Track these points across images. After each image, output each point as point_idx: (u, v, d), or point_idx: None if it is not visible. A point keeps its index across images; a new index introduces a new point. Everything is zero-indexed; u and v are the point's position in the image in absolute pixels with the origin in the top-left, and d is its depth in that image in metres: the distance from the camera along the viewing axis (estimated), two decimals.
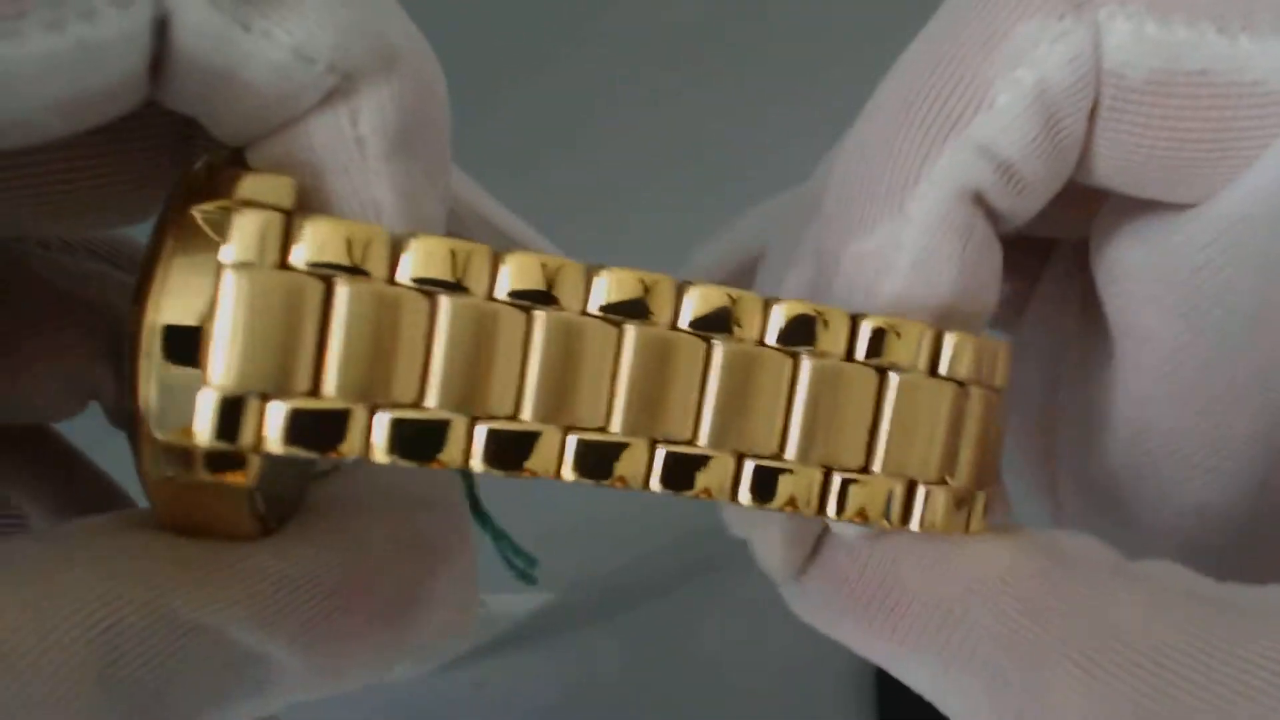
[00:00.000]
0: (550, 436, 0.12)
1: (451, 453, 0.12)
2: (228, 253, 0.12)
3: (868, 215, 0.14)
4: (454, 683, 0.36)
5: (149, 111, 0.13)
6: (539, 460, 0.12)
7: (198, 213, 0.12)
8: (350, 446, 0.12)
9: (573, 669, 0.36)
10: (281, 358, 0.12)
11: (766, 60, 0.45)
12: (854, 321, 0.13)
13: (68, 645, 0.12)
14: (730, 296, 0.13)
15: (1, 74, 0.11)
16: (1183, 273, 0.14)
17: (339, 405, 0.12)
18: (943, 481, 0.14)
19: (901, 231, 0.14)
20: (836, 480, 0.13)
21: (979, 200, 0.14)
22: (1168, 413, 0.15)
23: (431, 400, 0.12)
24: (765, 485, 0.13)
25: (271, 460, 0.13)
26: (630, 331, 0.12)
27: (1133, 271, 0.15)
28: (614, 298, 0.12)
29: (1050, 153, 0.14)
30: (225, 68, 0.12)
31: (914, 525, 0.13)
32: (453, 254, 0.12)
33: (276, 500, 0.14)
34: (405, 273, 0.12)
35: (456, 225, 0.17)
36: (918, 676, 0.14)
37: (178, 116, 0.13)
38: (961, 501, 0.14)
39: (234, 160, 0.13)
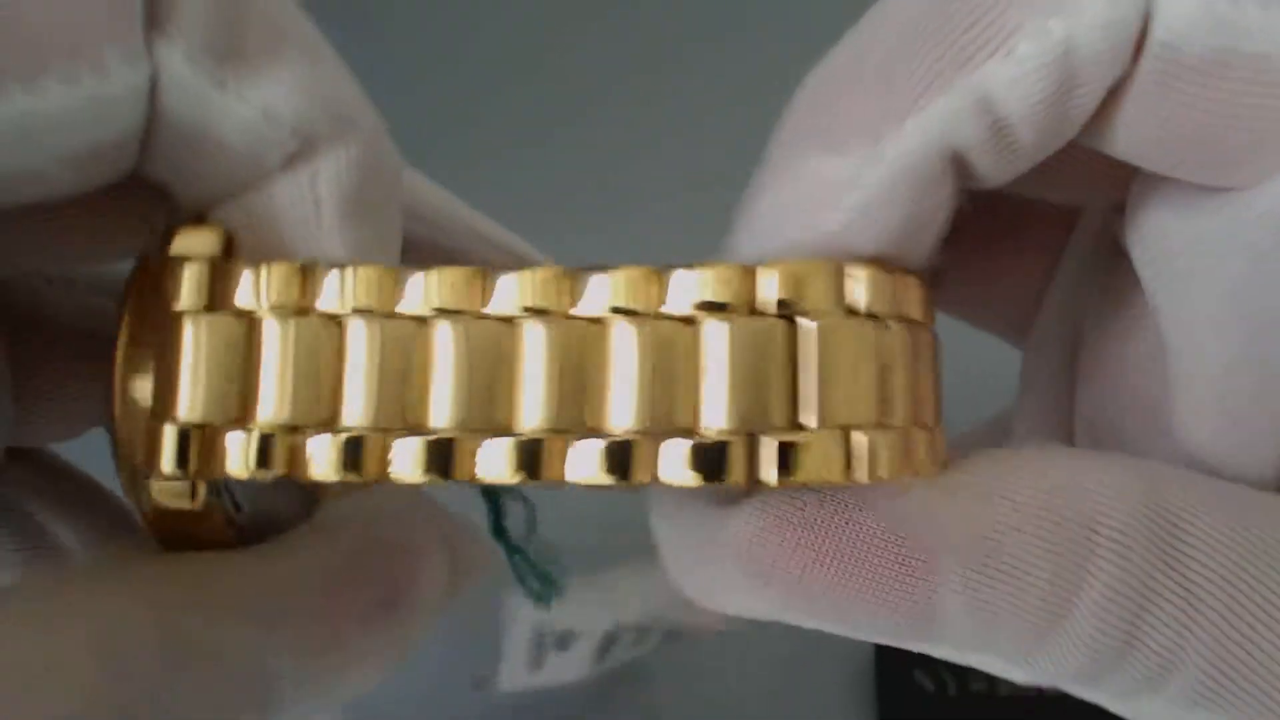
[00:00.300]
0: (468, 443, 0.12)
1: (370, 467, 0.13)
2: (176, 304, 0.13)
3: (839, 133, 0.13)
4: (454, 682, 0.36)
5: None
6: (463, 468, 0.13)
7: (155, 270, 0.14)
8: (281, 468, 0.13)
9: None
10: (224, 391, 0.13)
11: (761, 56, 0.45)
12: (753, 275, 0.13)
13: (76, 666, 0.12)
14: (634, 276, 0.13)
15: (24, 126, 0.12)
16: (1220, 268, 0.13)
17: (271, 431, 0.13)
18: (880, 425, 0.13)
19: (866, 167, 0.13)
20: (772, 443, 0.12)
21: (956, 159, 0.13)
22: (1189, 412, 0.15)
23: (353, 419, 0.13)
24: (712, 462, 0.12)
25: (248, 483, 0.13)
26: (538, 329, 0.13)
27: (1165, 257, 0.14)
28: (519, 298, 0.13)
29: (1053, 120, 0.13)
30: (200, 125, 0.13)
31: (861, 476, 0.13)
32: (368, 278, 0.13)
33: (269, 518, 0.15)
34: (329, 302, 0.13)
35: (432, 231, 0.17)
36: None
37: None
38: (908, 445, 0.13)
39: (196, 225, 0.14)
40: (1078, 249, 0.17)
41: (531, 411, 0.12)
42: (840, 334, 0.13)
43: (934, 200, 0.13)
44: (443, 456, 0.12)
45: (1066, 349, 0.17)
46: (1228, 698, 0.12)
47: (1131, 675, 0.13)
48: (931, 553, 0.13)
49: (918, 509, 0.13)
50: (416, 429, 0.13)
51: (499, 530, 0.27)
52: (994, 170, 0.13)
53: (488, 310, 0.13)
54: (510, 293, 0.13)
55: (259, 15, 0.13)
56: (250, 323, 0.13)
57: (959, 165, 0.13)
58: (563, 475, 0.12)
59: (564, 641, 0.33)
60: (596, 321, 0.13)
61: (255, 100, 0.13)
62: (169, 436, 0.13)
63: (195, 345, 0.13)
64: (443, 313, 0.13)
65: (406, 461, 0.13)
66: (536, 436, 0.12)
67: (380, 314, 0.13)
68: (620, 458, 0.12)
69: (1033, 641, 0.13)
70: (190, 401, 0.13)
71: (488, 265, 0.14)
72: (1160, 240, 0.14)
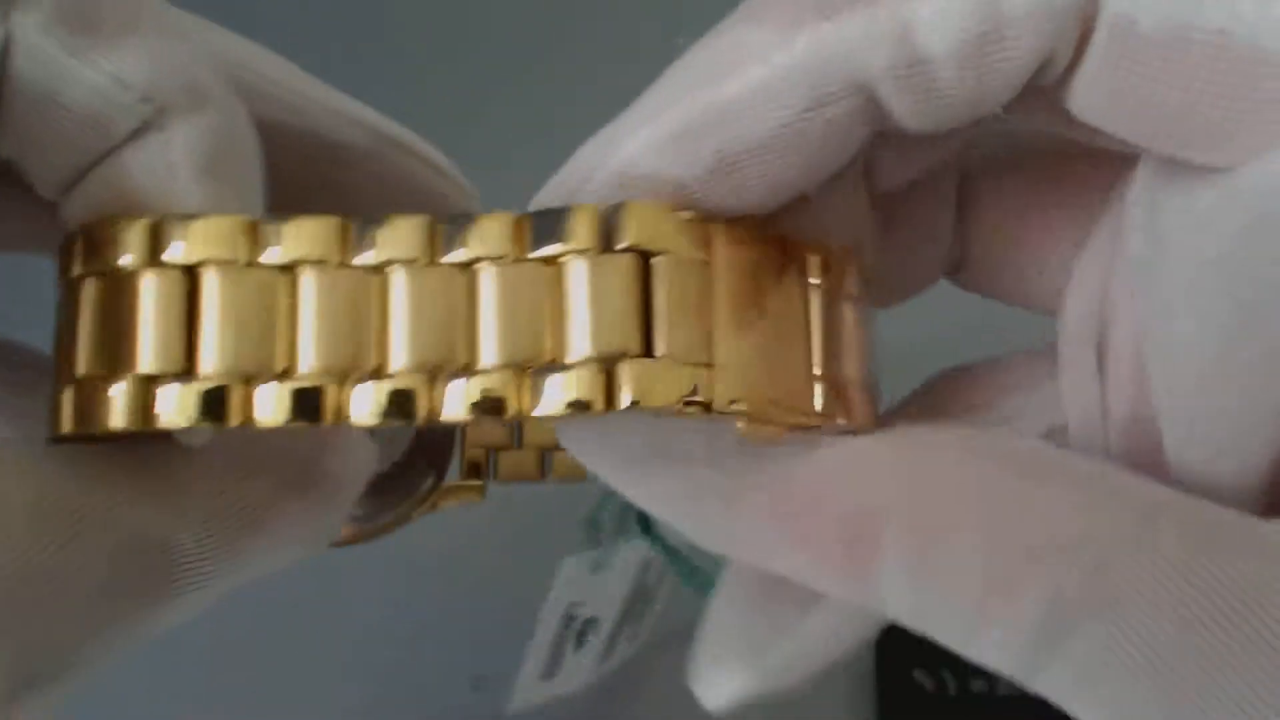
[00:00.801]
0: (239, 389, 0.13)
1: (179, 409, 0.13)
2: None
3: (766, 8, 0.13)
4: (453, 681, 0.36)
5: None
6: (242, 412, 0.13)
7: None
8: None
9: None
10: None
11: None
12: (519, 222, 0.13)
13: (14, 525, 0.13)
14: (407, 227, 0.13)
15: None
16: (1206, 239, 0.13)
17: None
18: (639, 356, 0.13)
19: (776, 48, 0.13)
20: (542, 377, 0.13)
21: (867, 87, 0.13)
22: (1171, 396, 0.14)
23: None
24: (453, 399, 0.13)
25: None
26: (310, 277, 0.13)
27: (1155, 223, 0.14)
28: (292, 251, 0.13)
29: (975, 71, 0.13)
30: (49, 90, 0.13)
31: (624, 402, 0.13)
32: (148, 228, 0.13)
33: None
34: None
35: (284, 114, 0.17)
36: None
37: None
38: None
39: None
40: (1113, 216, 0.17)
41: (305, 357, 0.13)
42: (600, 269, 0.13)
43: (838, 123, 0.13)
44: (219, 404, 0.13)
45: (1098, 325, 0.17)
46: (1151, 709, 0.12)
47: (1053, 683, 0.13)
48: (875, 532, 0.13)
49: (862, 474, 0.14)
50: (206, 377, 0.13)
51: (647, 527, 0.28)
52: (912, 112, 0.13)
53: (261, 260, 0.13)
54: (286, 245, 0.13)
55: None
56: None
57: (871, 97, 0.13)
58: (348, 416, 0.13)
59: (583, 635, 0.33)
60: (377, 271, 0.13)
61: (107, 67, 0.13)
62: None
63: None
64: (207, 263, 0.13)
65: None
66: (314, 383, 0.13)
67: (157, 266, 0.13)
68: (400, 399, 0.13)
69: (965, 638, 0.13)
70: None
71: (341, 145, 0.15)
72: (1150, 205, 0.14)
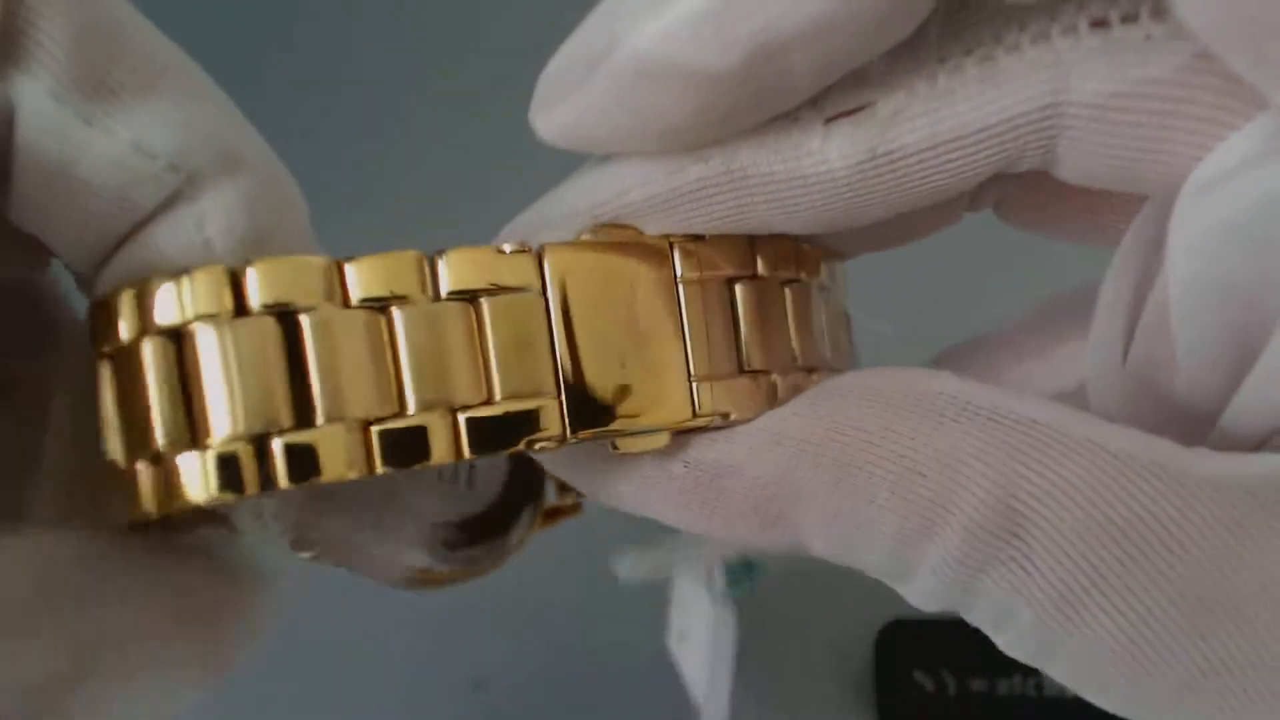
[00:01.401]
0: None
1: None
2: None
3: None
4: (454, 682, 0.36)
5: None
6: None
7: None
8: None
9: (573, 667, 0.36)
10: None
11: None
12: (330, 268, 0.13)
13: None
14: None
15: None
16: (1197, 228, 0.13)
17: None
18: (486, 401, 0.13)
19: None
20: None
21: None
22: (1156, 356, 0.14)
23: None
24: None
25: None
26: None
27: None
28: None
29: None
30: (63, 162, 0.12)
31: (466, 452, 0.13)
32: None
33: None
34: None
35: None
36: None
37: None
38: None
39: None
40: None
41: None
42: (432, 319, 0.13)
43: None
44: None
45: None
46: (1059, 651, 0.13)
47: (978, 619, 0.13)
48: (783, 504, 0.13)
49: (768, 448, 0.13)
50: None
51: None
52: None
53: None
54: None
55: (133, 52, 0.12)
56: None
57: None
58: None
59: None
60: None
61: (124, 134, 0.12)
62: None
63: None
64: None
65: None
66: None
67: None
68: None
69: (890, 582, 0.13)
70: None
71: None
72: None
